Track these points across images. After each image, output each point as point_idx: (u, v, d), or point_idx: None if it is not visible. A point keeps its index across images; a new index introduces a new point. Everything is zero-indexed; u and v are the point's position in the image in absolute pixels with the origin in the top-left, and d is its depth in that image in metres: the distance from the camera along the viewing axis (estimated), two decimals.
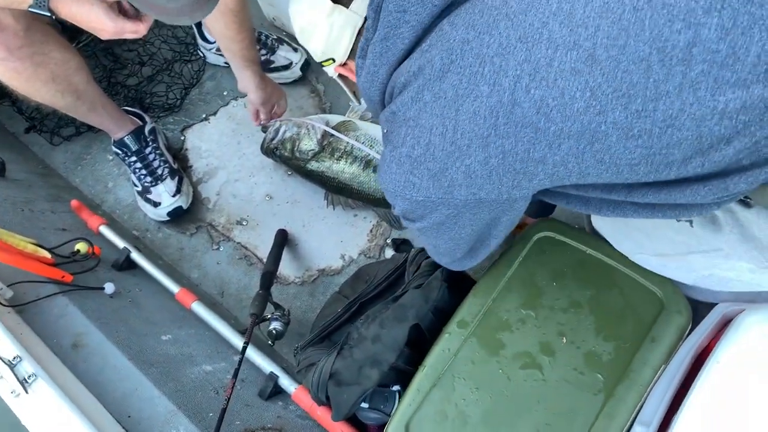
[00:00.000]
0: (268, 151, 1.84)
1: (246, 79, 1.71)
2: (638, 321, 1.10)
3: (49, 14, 1.21)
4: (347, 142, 1.76)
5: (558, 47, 0.75)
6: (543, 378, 1.08)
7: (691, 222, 1.01)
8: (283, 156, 1.81)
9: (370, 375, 1.15)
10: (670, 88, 0.70)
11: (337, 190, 1.79)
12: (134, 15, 1.31)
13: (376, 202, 1.76)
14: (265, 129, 1.85)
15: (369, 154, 1.73)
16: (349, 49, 1.03)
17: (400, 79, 0.91)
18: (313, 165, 1.77)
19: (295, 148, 1.78)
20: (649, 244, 1.09)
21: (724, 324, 1.18)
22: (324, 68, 1.11)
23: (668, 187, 0.82)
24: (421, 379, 1.11)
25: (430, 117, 0.86)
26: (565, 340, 1.11)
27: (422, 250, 1.36)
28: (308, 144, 1.77)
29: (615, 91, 0.72)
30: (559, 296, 1.14)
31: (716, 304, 1.14)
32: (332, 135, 1.77)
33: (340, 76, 1.13)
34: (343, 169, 1.76)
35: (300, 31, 1.08)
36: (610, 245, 1.16)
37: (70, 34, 1.60)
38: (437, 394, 1.10)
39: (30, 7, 1.20)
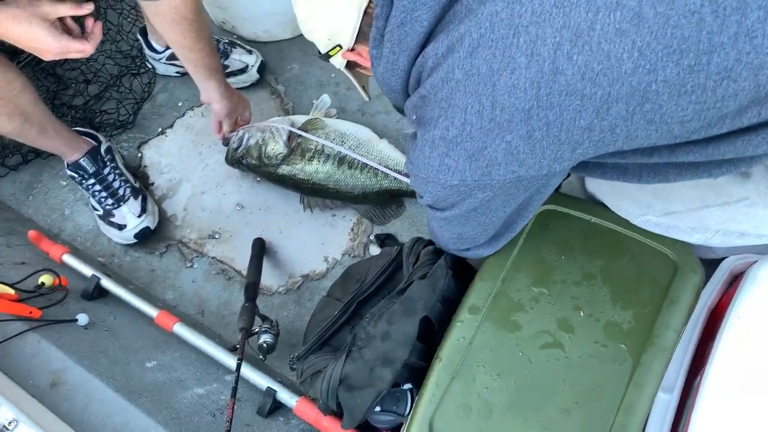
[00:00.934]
0: (233, 161, 1.75)
1: (210, 90, 1.60)
2: (654, 285, 1.07)
3: None
4: (317, 142, 1.69)
5: (599, 9, 0.72)
6: (565, 355, 1.04)
7: None
8: (250, 164, 1.73)
9: (383, 375, 1.09)
10: (724, 39, 0.68)
11: (313, 192, 1.72)
12: (79, 33, 1.21)
13: (355, 199, 1.69)
14: (226, 141, 1.76)
15: (341, 151, 1.67)
16: (356, 33, 0.97)
17: (428, 63, 0.86)
18: (284, 169, 1.70)
19: (263, 155, 1.70)
20: (656, 203, 1.07)
21: (732, 279, 1.17)
22: (331, 60, 1.05)
23: (715, 142, 0.80)
24: (438, 372, 1.05)
25: (464, 96, 0.81)
26: (582, 314, 1.06)
27: (418, 239, 1.30)
28: (275, 148, 1.69)
29: (665, 48, 0.70)
30: (570, 270, 1.10)
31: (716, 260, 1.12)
32: (300, 136, 1.70)
33: (349, 66, 1.07)
34: (316, 170, 1.69)
35: (302, 21, 1.01)
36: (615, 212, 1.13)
37: (8, 54, 1.48)
38: (458, 386, 1.04)
39: None
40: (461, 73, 0.81)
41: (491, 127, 0.81)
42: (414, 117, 0.93)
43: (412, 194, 1.70)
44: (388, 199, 1.70)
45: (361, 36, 0.98)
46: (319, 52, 1.06)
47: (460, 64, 0.81)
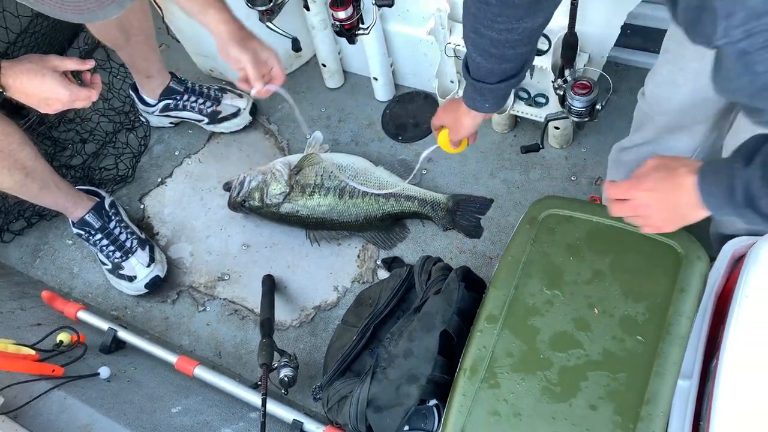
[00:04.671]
0: (235, 205, 1.79)
1: (212, 23, 1.31)
2: (663, 275, 1.10)
3: (1, 90, 1.15)
4: (315, 176, 1.73)
5: None
6: (585, 353, 1.07)
7: None
8: (252, 207, 1.76)
9: (410, 392, 1.11)
10: None
11: (317, 226, 1.75)
12: (77, 82, 1.27)
13: (359, 227, 1.73)
14: (227, 187, 1.80)
15: (342, 182, 1.71)
16: None
17: None
18: (286, 207, 1.73)
19: (265, 196, 1.74)
20: None
21: (734, 262, 1.20)
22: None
23: None
24: (464, 382, 1.07)
25: None
26: (597, 311, 1.09)
27: (427, 258, 1.33)
28: (277, 188, 1.73)
29: None
30: (580, 270, 1.13)
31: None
32: (298, 172, 1.74)
33: None
34: (318, 203, 1.72)
35: None
36: None
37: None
38: (484, 395, 1.06)
39: None
40: None
41: None
42: None
43: (414, 216, 1.74)
44: (391, 224, 1.74)
45: None
46: None
47: None
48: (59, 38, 2.15)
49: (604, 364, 1.05)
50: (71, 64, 1.23)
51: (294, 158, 1.80)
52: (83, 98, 1.24)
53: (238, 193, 1.76)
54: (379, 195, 1.69)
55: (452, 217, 1.70)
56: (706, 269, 1.11)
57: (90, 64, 1.24)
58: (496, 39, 1.00)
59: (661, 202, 0.93)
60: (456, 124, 1.25)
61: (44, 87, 1.18)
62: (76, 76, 1.26)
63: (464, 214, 1.71)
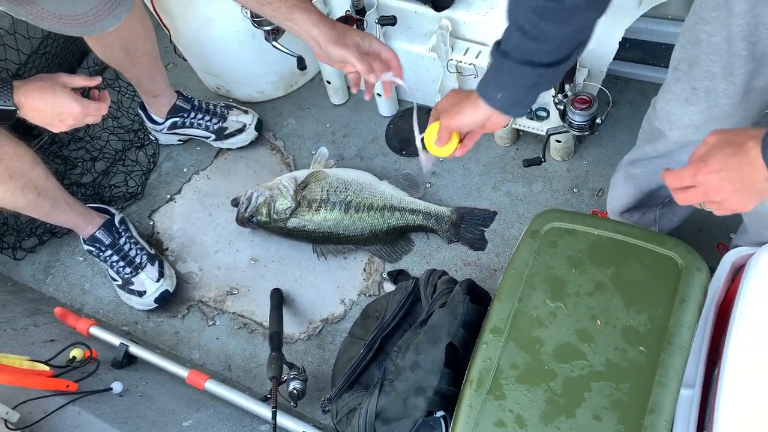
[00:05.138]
0: (243, 221, 1.82)
1: (302, 24, 1.21)
2: (663, 286, 1.12)
3: (14, 108, 1.19)
4: (321, 191, 1.76)
5: None
6: (589, 364, 1.09)
7: None
8: (260, 222, 1.79)
9: (418, 404, 1.13)
10: None
11: (323, 240, 1.78)
12: (93, 99, 1.32)
13: (365, 240, 1.75)
14: (235, 203, 1.84)
15: (347, 197, 1.74)
16: None
17: None
18: (293, 222, 1.76)
19: (272, 211, 1.77)
20: None
21: (735, 271, 1.22)
22: None
23: None
24: (470, 394, 1.09)
25: None
26: (599, 323, 1.11)
27: (432, 271, 1.35)
28: (284, 203, 1.76)
29: None
30: (582, 282, 1.15)
31: None
32: (304, 188, 1.77)
33: None
34: (324, 218, 1.75)
35: None
36: (617, 222, 1.19)
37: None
38: (490, 406, 1.08)
39: None
40: None
41: None
42: None
43: (419, 229, 1.77)
44: (396, 237, 1.76)
45: None
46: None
47: None
48: (68, 59, 2.19)
49: (607, 375, 1.07)
50: (79, 81, 1.29)
51: (300, 174, 1.83)
52: (94, 111, 1.29)
53: (246, 209, 1.79)
54: (384, 209, 1.72)
55: (456, 230, 1.73)
56: (706, 280, 1.13)
57: (97, 80, 1.31)
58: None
59: (734, 182, 0.83)
60: (454, 109, 1.07)
61: (56, 102, 1.23)
62: (85, 95, 1.31)
63: (468, 226, 1.73)
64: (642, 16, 1.48)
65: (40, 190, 1.57)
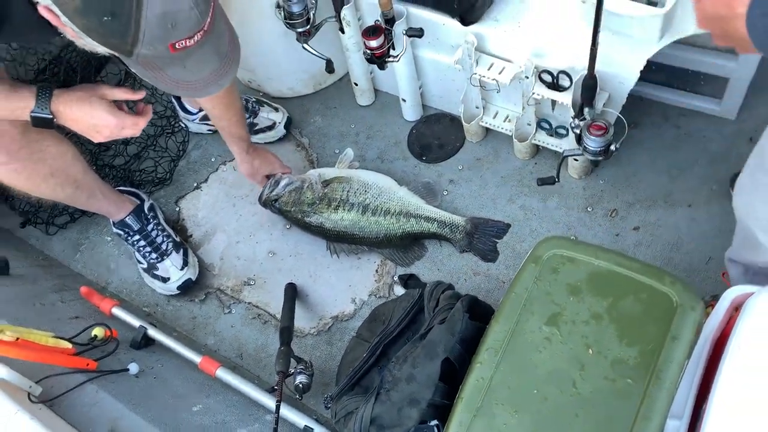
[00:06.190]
0: (267, 202, 1.87)
1: (234, 153, 1.83)
2: (657, 322, 1.15)
3: (51, 117, 1.26)
4: (342, 191, 1.81)
5: None
6: (577, 391, 1.13)
7: None
8: (282, 208, 1.85)
9: (411, 414, 1.19)
10: None
11: (338, 239, 1.84)
12: (129, 113, 1.38)
13: (379, 243, 1.81)
14: (268, 178, 1.90)
15: (366, 199, 1.78)
16: None
17: None
18: (313, 217, 1.82)
19: (296, 201, 1.83)
20: None
21: (735, 309, 1.25)
22: None
23: None
24: (460, 411, 1.14)
25: None
26: (591, 352, 1.15)
27: (438, 284, 1.40)
28: (309, 197, 1.82)
29: None
30: (579, 310, 1.19)
31: None
32: (327, 186, 1.82)
33: None
34: (341, 218, 1.80)
35: None
36: (619, 253, 1.23)
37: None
38: (479, 424, 1.13)
39: (32, 112, 1.24)
40: None
41: None
42: None
43: (432, 236, 1.81)
44: (410, 242, 1.81)
45: None
46: None
47: None
48: (88, 68, 2.23)
49: (594, 403, 1.11)
50: (120, 93, 1.34)
51: (328, 171, 1.88)
52: (130, 125, 1.35)
53: (272, 191, 1.85)
54: (400, 214, 1.76)
55: (470, 240, 1.77)
56: (699, 319, 1.16)
57: (141, 94, 1.36)
58: None
59: None
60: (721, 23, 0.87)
61: (92, 113, 1.29)
62: (131, 107, 1.36)
63: (481, 237, 1.77)
64: (674, 42, 1.49)
65: (78, 183, 1.65)
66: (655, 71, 1.77)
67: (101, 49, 1.05)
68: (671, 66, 1.74)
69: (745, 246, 1.35)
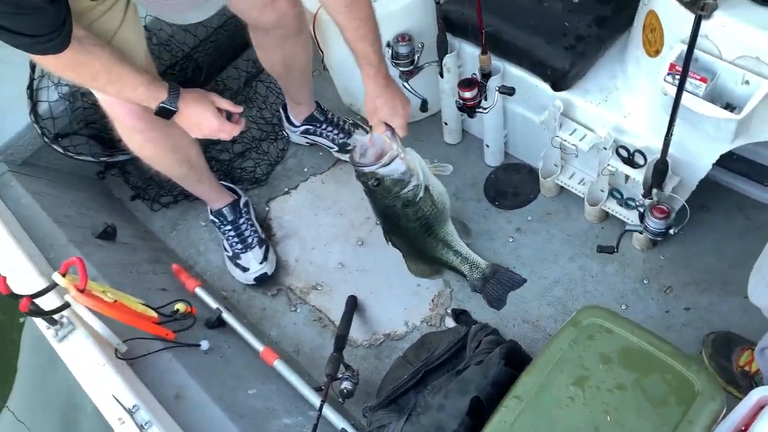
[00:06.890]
0: (363, 175, 1.61)
1: (364, 81, 1.55)
2: (676, 404, 1.23)
3: (176, 110, 1.49)
4: (427, 207, 1.71)
5: None
6: None
7: None
8: (377, 192, 1.64)
9: None
10: None
11: (396, 234, 1.78)
12: (234, 121, 1.59)
13: (401, 245, 1.80)
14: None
15: (423, 207, 1.70)
16: None
17: None
18: (397, 211, 1.68)
19: (395, 194, 1.64)
20: None
21: (759, 408, 1.31)
22: None
23: None
24: None
25: None
26: (609, 419, 1.25)
27: (483, 327, 1.53)
28: (408, 196, 1.65)
29: None
30: (605, 378, 1.29)
31: None
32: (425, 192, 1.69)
33: None
34: (413, 227, 1.73)
35: None
36: (653, 334, 1.31)
37: None
38: None
39: (162, 102, 1.47)
40: None
41: None
42: None
43: (451, 269, 1.85)
44: (429, 263, 1.86)
45: None
46: None
47: None
48: (233, 47, 2.51)
49: None
50: (225, 104, 1.56)
51: (426, 168, 1.74)
52: (227, 131, 1.57)
53: (377, 167, 1.59)
54: (442, 241, 1.79)
55: (484, 283, 1.83)
56: (718, 409, 1.23)
57: (239, 109, 1.59)
58: None
59: None
60: None
61: (203, 113, 1.52)
62: (229, 118, 1.58)
63: (496, 284, 1.84)
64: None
65: (192, 164, 1.89)
66: (735, 161, 1.82)
67: None
68: (751, 160, 1.79)
69: None
